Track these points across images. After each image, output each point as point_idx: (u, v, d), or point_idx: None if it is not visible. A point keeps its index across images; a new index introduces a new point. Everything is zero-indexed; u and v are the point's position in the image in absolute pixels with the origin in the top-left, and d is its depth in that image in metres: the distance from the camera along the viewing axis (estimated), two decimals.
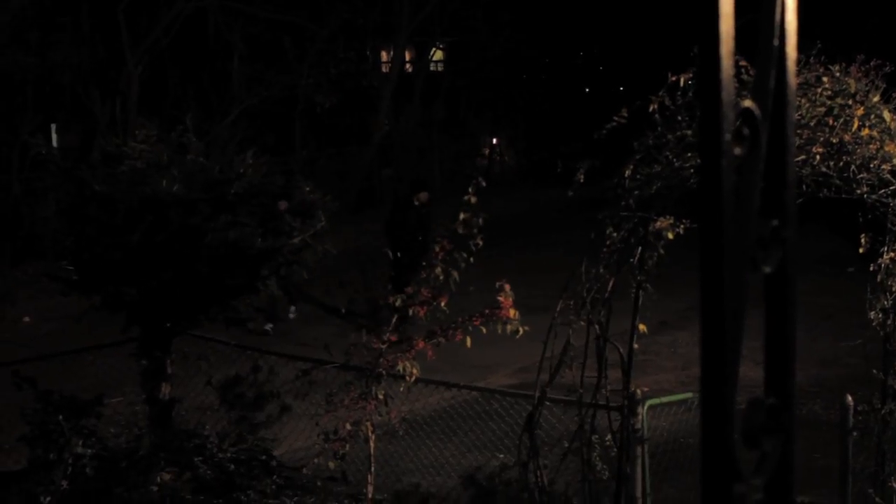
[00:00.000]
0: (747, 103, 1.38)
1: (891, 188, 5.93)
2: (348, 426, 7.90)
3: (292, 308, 13.04)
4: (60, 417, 7.69)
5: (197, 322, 8.72)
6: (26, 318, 14.90)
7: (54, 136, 22.30)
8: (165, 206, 8.15)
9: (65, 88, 22.06)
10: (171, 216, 8.15)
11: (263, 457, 8.33)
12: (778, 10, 1.41)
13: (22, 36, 20.39)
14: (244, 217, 8.39)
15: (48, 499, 6.90)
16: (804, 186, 5.93)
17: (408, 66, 29.49)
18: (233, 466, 8.11)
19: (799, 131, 5.83)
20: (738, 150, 1.35)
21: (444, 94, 29.49)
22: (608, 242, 6.57)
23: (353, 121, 27.05)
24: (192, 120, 9.05)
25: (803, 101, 5.95)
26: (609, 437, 6.78)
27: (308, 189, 8.75)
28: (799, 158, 5.78)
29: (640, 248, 6.64)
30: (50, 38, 20.93)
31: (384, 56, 29.33)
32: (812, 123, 5.97)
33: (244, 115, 22.88)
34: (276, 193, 8.54)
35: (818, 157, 5.92)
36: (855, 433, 6.37)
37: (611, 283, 6.64)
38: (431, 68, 30.45)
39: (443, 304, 7.95)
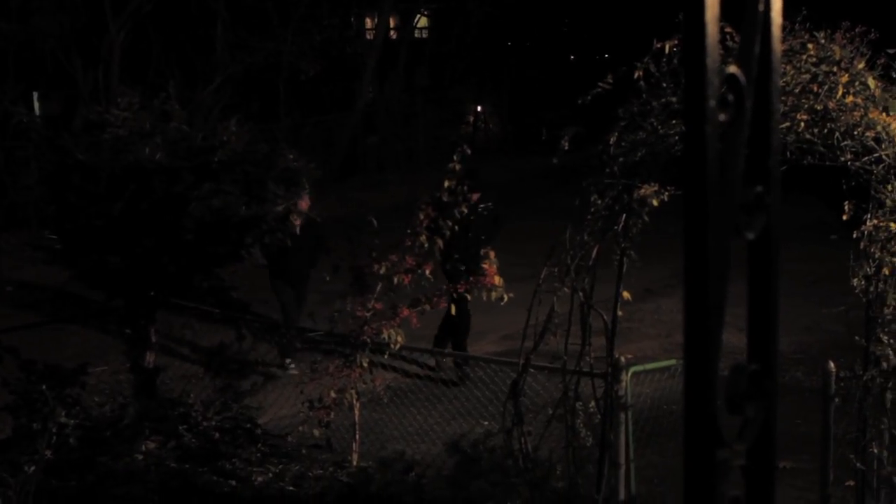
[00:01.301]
0: (732, 69, 1.37)
1: (874, 155, 5.93)
2: (333, 394, 7.92)
3: (288, 361, 10.51)
4: (44, 387, 7.68)
5: (181, 290, 8.71)
6: (8, 288, 14.86)
7: (36, 105, 22.17)
8: (148, 175, 8.12)
9: (46, 56, 21.91)
10: (155, 184, 8.11)
11: (248, 425, 8.34)
12: None
13: (3, 2, 20.22)
14: (228, 185, 8.36)
15: (32, 468, 6.90)
16: (788, 153, 5.93)
17: (392, 32, 29.37)
18: (217, 434, 8.12)
19: (783, 98, 5.83)
20: (722, 117, 1.35)
21: (428, 61, 29.39)
22: (592, 210, 6.57)
23: (337, 88, 26.94)
24: (175, 87, 9.00)
25: (788, 67, 5.94)
26: (593, 403, 6.80)
27: (292, 157, 8.71)
28: (783, 125, 5.78)
29: (624, 216, 6.64)
30: (31, 5, 20.74)
31: (368, 23, 29.21)
32: (797, 90, 5.97)
33: (228, 83, 22.75)
34: (259, 161, 8.51)
35: (802, 124, 5.92)
36: (837, 399, 6.40)
37: (595, 251, 6.65)
38: (416, 35, 30.34)
39: (427, 272, 7.95)
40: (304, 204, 8.67)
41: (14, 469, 6.76)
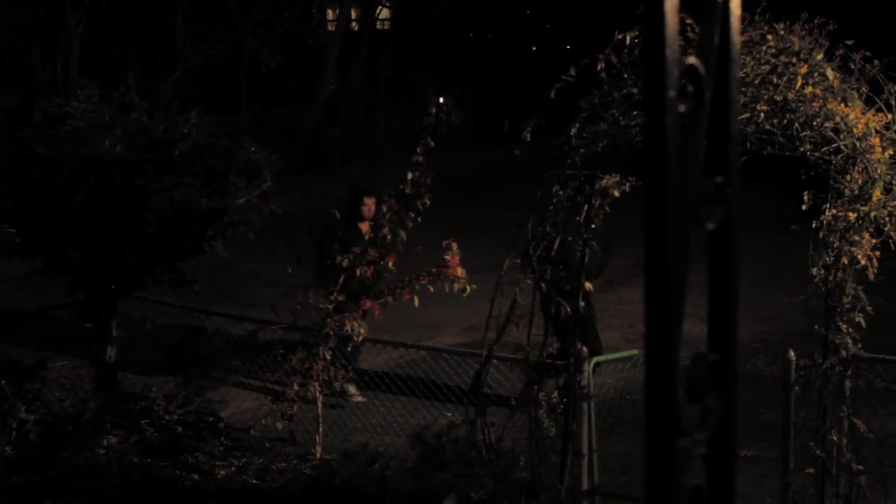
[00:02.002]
0: (692, 60, 1.37)
1: (833, 146, 5.98)
2: (296, 387, 7.90)
3: (350, 389, 9.38)
4: (3, 382, 7.61)
5: (142, 284, 8.66)
6: None
7: None
8: (109, 167, 8.05)
9: (4, 48, 21.69)
10: (115, 177, 8.05)
11: (210, 419, 8.31)
12: None
13: None
14: (189, 177, 8.31)
15: None
16: (748, 144, 5.96)
17: (354, 24, 29.28)
18: (180, 428, 8.08)
19: (743, 89, 5.86)
20: (682, 107, 1.35)
21: (390, 52, 29.33)
22: (555, 200, 6.59)
23: (299, 80, 26.85)
24: (135, 79, 8.94)
25: (748, 58, 5.98)
26: (556, 394, 6.82)
27: (254, 149, 8.67)
28: (743, 116, 5.82)
29: (586, 206, 6.66)
30: None
31: (330, 14, 29.12)
32: (756, 81, 6.01)
33: (188, 75, 22.62)
34: (221, 154, 8.46)
35: (762, 114, 5.96)
36: (797, 388, 6.45)
37: (557, 242, 6.67)
38: (378, 27, 30.27)
39: (390, 263, 7.95)
40: (368, 210, 8.29)
41: None
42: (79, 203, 8.04)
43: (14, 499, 6.95)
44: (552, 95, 6.42)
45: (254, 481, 7.46)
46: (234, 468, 7.68)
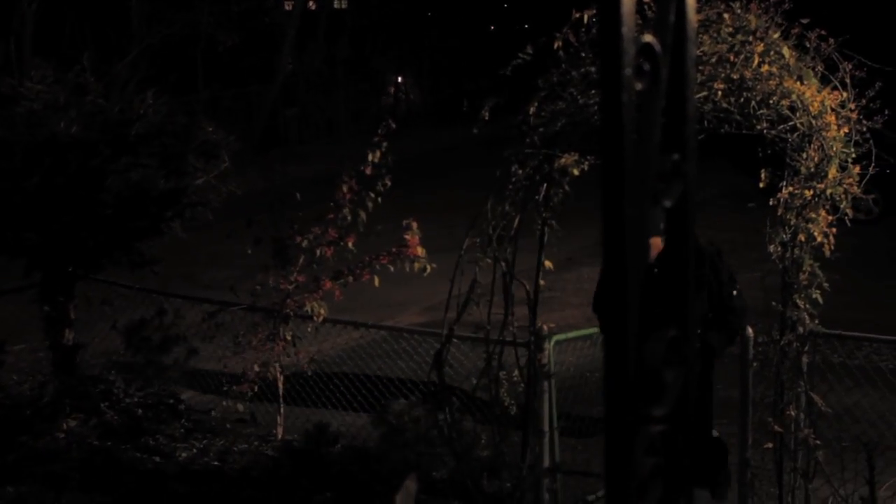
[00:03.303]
0: (648, 38, 1.38)
1: (789, 123, 6.02)
2: (256, 368, 7.88)
3: None
4: None
5: (100, 266, 8.59)
6: None
7: None
8: (64, 149, 7.98)
9: None
10: (71, 158, 7.99)
11: (171, 401, 8.28)
12: None
13: None
14: (146, 158, 8.26)
15: None
16: (706, 122, 5.99)
17: (311, 3, 29.11)
18: (140, 411, 8.05)
19: (700, 67, 5.89)
20: (639, 86, 1.36)
21: (348, 32, 29.20)
22: (513, 180, 6.59)
23: (256, 60, 26.67)
24: (90, 60, 8.85)
25: (705, 37, 6.00)
26: (516, 372, 6.84)
27: (211, 129, 8.62)
28: (700, 95, 5.84)
29: (545, 185, 6.67)
30: None
31: None
32: (713, 60, 6.03)
33: (144, 55, 22.41)
34: (178, 134, 8.41)
35: (719, 93, 5.98)
36: (755, 364, 6.51)
37: (516, 221, 6.67)
38: (335, 6, 30.11)
39: (350, 244, 7.93)
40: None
41: None
42: (35, 185, 7.96)
43: None
44: (508, 73, 6.41)
45: (216, 463, 7.45)
46: (195, 450, 7.66)
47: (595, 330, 8.16)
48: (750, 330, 6.61)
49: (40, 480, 7.09)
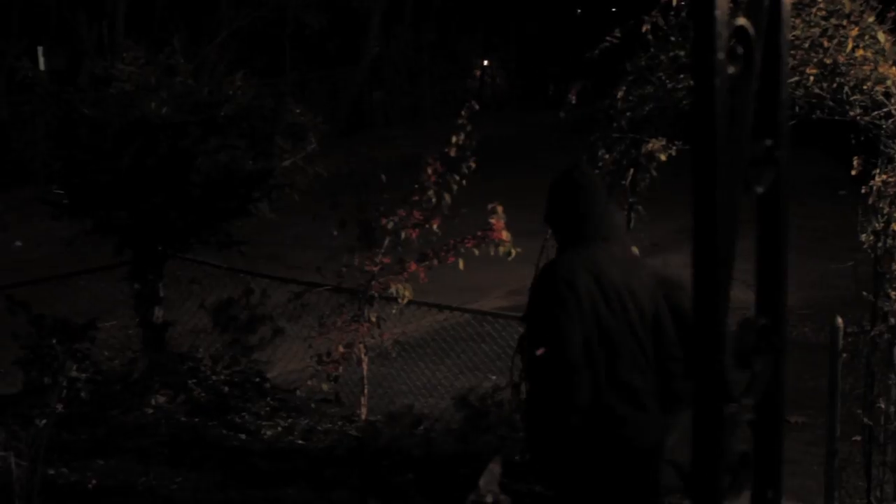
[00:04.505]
0: (741, 21, 1.36)
1: (884, 110, 5.90)
2: (341, 348, 7.94)
3: None
4: (54, 341, 7.71)
5: (189, 245, 8.72)
6: (18, 243, 14.89)
7: (41, 60, 22.06)
8: (155, 129, 8.10)
9: (51, 10, 21.80)
10: (161, 139, 8.10)
11: (257, 379, 8.38)
12: None
13: None
14: (234, 140, 8.35)
15: (43, 421, 6.94)
16: (797, 108, 5.90)
17: None
18: (227, 389, 8.16)
19: (792, 52, 5.79)
20: (731, 69, 1.34)
21: (435, 14, 29.20)
22: (600, 164, 6.55)
23: (343, 43, 26.81)
24: (180, 42, 8.96)
25: (797, 21, 5.90)
26: None
27: (298, 111, 8.69)
28: (792, 80, 5.75)
29: (632, 170, 6.62)
30: None
31: None
32: (806, 45, 5.93)
33: (233, 37, 22.64)
34: (265, 116, 8.49)
35: (811, 78, 5.88)
36: (844, 355, 6.40)
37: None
38: None
39: (435, 226, 7.95)
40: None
41: (26, 423, 6.80)
42: (126, 165, 8.10)
43: (65, 456, 7.06)
44: (596, 56, 6.37)
45: (300, 441, 7.53)
46: (280, 428, 7.75)
47: None
48: (840, 320, 6.50)
49: (129, 454, 7.24)
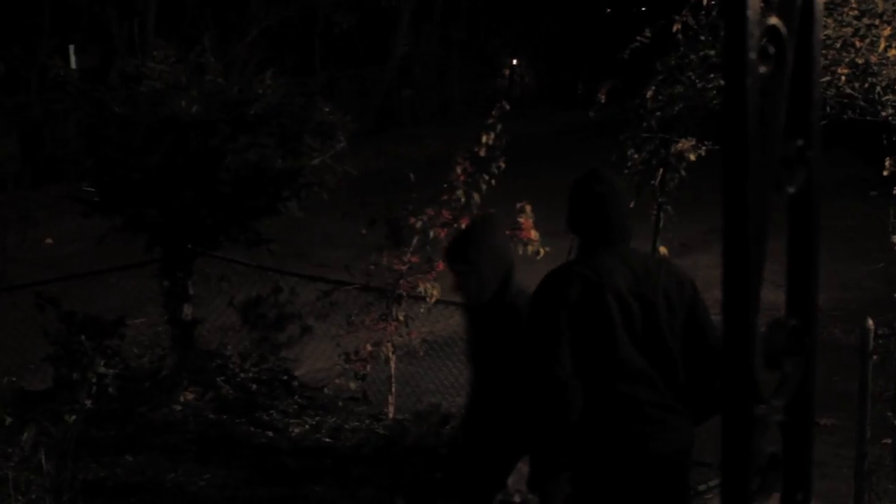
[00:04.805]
0: (773, 20, 1.35)
1: None
2: (369, 347, 7.95)
3: None
4: (83, 338, 7.76)
5: (218, 243, 8.75)
6: (48, 240, 14.98)
7: (73, 58, 22.20)
8: (185, 127, 8.14)
9: (82, 9, 21.94)
10: (191, 137, 8.14)
11: (285, 377, 8.40)
12: None
13: None
14: (264, 138, 8.37)
15: (73, 417, 6.99)
16: (828, 108, 5.86)
17: None
18: (255, 386, 8.19)
19: (824, 52, 5.76)
20: (763, 69, 1.33)
21: (464, 13, 29.20)
22: (629, 164, 6.54)
23: (372, 41, 26.84)
24: (211, 40, 9.00)
25: (829, 20, 5.87)
26: None
27: (327, 110, 8.70)
28: (823, 79, 5.72)
29: (661, 170, 6.60)
30: None
31: None
32: (838, 44, 5.90)
33: (263, 36, 22.71)
34: (295, 114, 8.51)
35: (843, 78, 5.85)
36: (875, 357, 6.36)
37: (630, 205, 6.61)
38: None
39: (464, 225, 7.94)
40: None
41: (55, 418, 6.85)
42: (156, 163, 8.13)
43: (94, 451, 7.10)
44: (626, 56, 6.35)
45: (327, 440, 7.55)
46: (307, 426, 7.77)
47: None
48: (870, 322, 6.45)
49: (158, 451, 7.27)
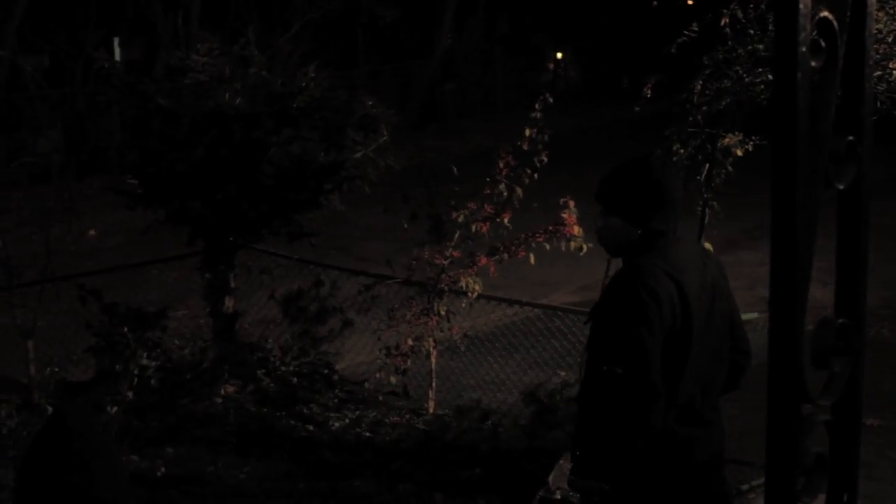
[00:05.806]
0: (825, 14, 1.32)
1: None
2: (410, 341, 7.94)
3: None
4: (126, 329, 7.81)
5: (260, 236, 8.78)
6: (92, 232, 15.12)
7: (117, 50, 22.38)
8: (229, 120, 8.16)
9: (127, 2, 22.11)
10: (235, 130, 8.16)
11: (325, 370, 8.42)
12: None
13: None
14: (307, 131, 8.38)
15: (115, 408, 7.05)
16: (878, 103, 5.79)
17: None
18: (295, 380, 8.21)
19: (875, 46, 5.68)
20: (814, 63, 1.30)
21: (508, 6, 29.14)
22: (675, 159, 6.48)
23: (415, 35, 26.86)
24: (254, 33, 9.01)
25: (881, 14, 5.79)
26: None
27: (370, 103, 8.69)
28: (875, 74, 5.64)
29: (707, 165, 6.54)
30: None
31: None
32: (889, 38, 5.82)
33: (306, 29, 22.76)
34: (338, 107, 8.51)
35: (894, 73, 5.77)
36: None
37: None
38: None
39: (506, 220, 7.91)
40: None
41: (98, 409, 6.90)
42: (199, 155, 8.16)
43: (135, 442, 7.15)
44: (673, 51, 6.30)
45: (367, 434, 7.55)
46: (348, 420, 7.78)
47: (755, 315, 7.97)
48: None
49: (198, 443, 7.31)
